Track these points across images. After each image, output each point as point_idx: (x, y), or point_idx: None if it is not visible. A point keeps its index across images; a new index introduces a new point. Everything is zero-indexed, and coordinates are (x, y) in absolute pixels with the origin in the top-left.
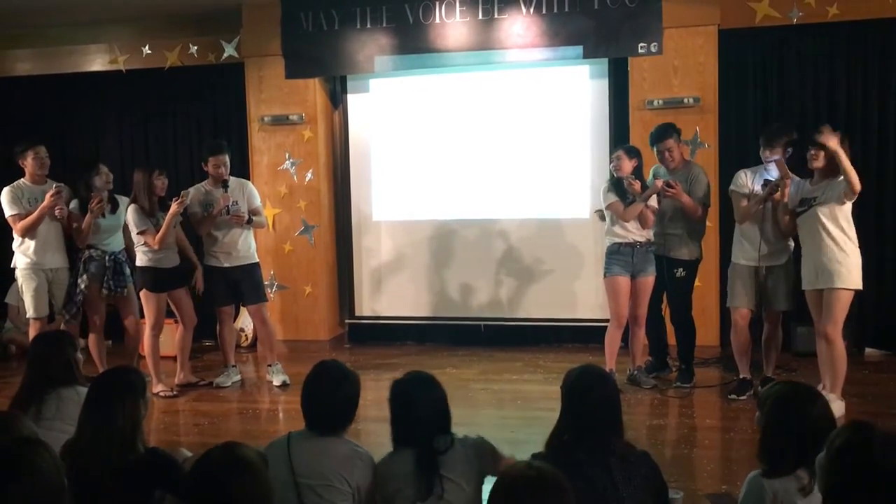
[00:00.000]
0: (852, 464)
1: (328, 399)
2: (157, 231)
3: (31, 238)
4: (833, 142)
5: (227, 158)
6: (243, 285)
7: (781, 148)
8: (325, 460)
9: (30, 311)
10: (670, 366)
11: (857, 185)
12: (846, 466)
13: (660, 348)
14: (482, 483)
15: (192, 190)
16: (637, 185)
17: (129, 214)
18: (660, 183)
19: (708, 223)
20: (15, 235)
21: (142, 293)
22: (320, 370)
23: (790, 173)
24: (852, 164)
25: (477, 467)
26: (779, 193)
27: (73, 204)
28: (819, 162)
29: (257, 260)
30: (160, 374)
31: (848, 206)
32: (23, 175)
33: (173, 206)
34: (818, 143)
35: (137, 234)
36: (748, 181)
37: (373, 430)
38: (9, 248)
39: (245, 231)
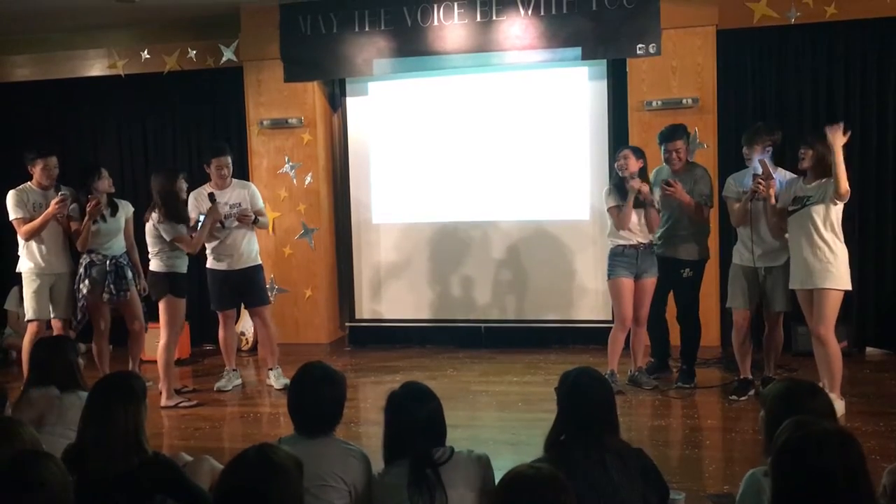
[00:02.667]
0: (791, 465)
1: (315, 401)
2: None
3: (39, 242)
4: (838, 137)
5: (229, 160)
6: (246, 288)
7: (760, 147)
8: (319, 461)
9: (28, 314)
10: (671, 368)
11: (844, 187)
12: (786, 467)
13: (662, 350)
14: (486, 499)
15: (191, 197)
16: (645, 188)
17: (154, 226)
18: (636, 184)
19: None
20: (19, 239)
21: (165, 300)
22: (304, 373)
23: (772, 174)
24: (849, 162)
25: (479, 479)
26: (764, 191)
27: (73, 208)
28: (807, 162)
29: (260, 262)
30: (172, 389)
31: (840, 206)
32: (29, 178)
33: (214, 214)
34: (807, 144)
35: (171, 240)
36: (737, 185)
37: (373, 433)
38: (8, 255)
39: (248, 233)
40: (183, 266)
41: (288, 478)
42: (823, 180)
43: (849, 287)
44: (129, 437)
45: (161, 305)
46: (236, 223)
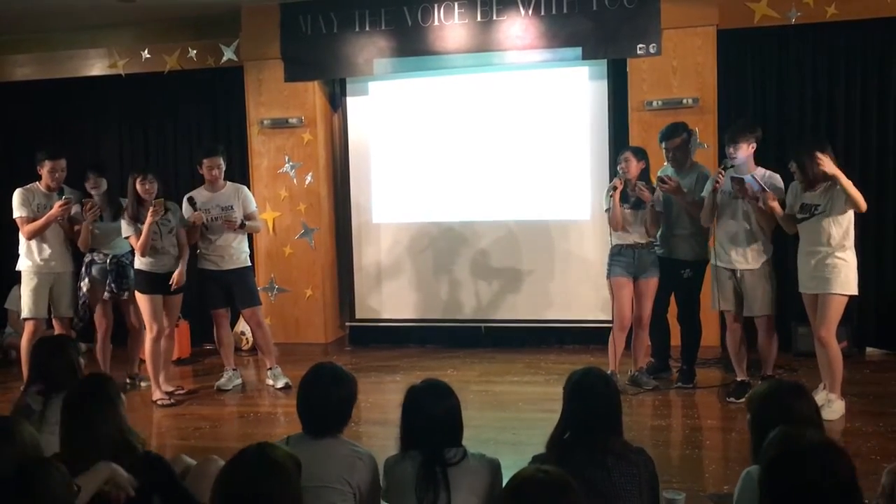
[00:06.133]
0: (781, 480)
1: (323, 401)
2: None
3: (40, 241)
4: (827, 163)
5: (220, 161)
6: (236, 289)
7: (745, 144)
8: (325, 463)
9: (24, 311)
10: (671, 368)
11: (862, 206)
12: (776, 482)
13: (662, 350)
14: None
15: (186, 198)
16: (645, 193)
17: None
18: (618, 183)
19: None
20: (21, 238)
21: (136, 294)
22: (314, 373)
23: (757, 183)
24: (847, 165)
25: (486, 485)
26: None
27: (76, 208)
28: (798, 175)
29: (250, 264)
30: (159, 381)
31: (851, 213)
32: (37, 178)
33: (149, 216)
34: (792, 157)
35: (124, 238)
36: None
37: (374, 433)
38: (9, 254)
39: (239, 235)
40: (160, 267)
41: (287, 477)
42: (828, 185)
43: (855, 292)
44: (111, 439)
45: None
46: (222, 224)
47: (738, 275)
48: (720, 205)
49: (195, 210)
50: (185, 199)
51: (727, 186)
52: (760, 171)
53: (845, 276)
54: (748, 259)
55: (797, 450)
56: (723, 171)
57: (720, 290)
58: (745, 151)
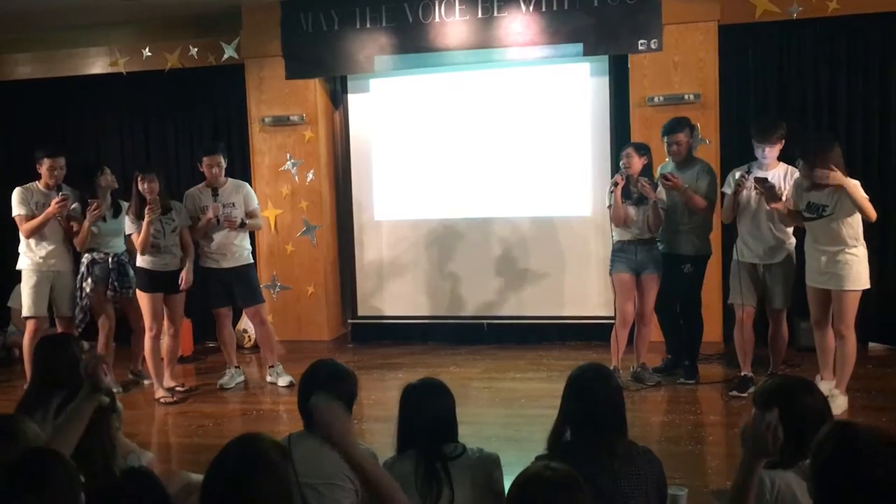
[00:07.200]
0: (841, 474)
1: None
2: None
3: (40, 239)
4: (833, 176)
5: (220, 159)
6: (238, 287)
7: (779, 144)
8: (328, 459)
9: (25, 310)
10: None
11: (873, 217)
12: (835, 477)
13: (677, 347)
14: (492, 498)
15: (188, 195)
16: (647, 189)
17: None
18: (619, 179)
19: None
20: (21, 236)
21: (137, 293)
22: (314, 370)
23: (774, 186)
24: (849, 161)
25: (487, 479)
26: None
27: (75, 207)
28: (804, 171)
29: (252, 261)
30: (161, 379)
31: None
32: (38, 177)
33: (146, 214)
34: (799, 155)
35: (127, 235)
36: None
37: (376, 430)
38: (12, 252)
39: (240, 233)
40: (161, 265)
41: (274, 471)
42: (840, 190)
43: (867, 286)
44: (97, 453)
45: None
46: (223, 223)
47: (761, 269)
48: (742, 201)
49: (215, 201)
50: (207, 190)
51: (751, 183)
52: (783, 168)
53: (857, 272)
54: (771, 253)
55: (858, 448)
56: (746, 174)
57: (742, 285)
58: (777, 151)
